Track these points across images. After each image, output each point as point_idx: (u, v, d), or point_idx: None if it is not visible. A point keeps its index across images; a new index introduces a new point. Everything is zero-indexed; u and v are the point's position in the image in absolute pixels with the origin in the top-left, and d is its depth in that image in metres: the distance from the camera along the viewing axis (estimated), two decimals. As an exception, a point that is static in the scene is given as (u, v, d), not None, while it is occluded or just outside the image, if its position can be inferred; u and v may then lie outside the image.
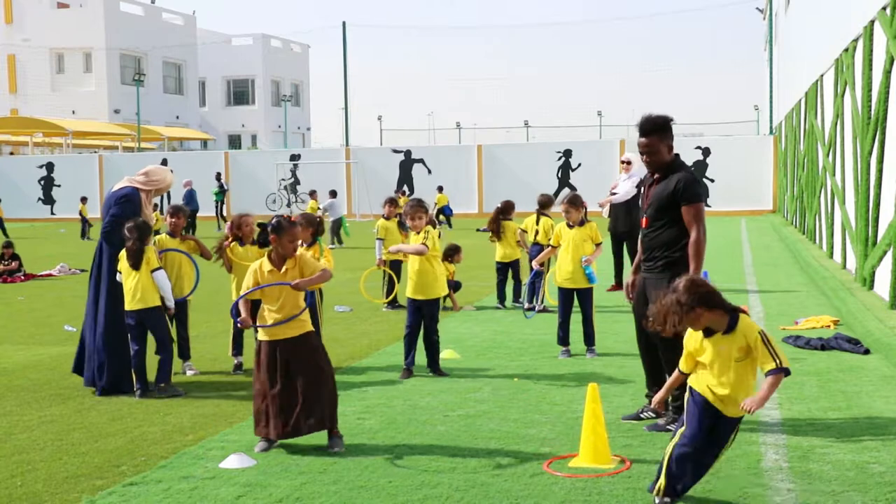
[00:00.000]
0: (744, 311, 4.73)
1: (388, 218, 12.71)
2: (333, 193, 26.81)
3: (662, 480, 4.76)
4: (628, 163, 13.82)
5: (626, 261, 13.79)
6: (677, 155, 6.38)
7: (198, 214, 30.81)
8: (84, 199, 31.78)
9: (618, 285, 13.83)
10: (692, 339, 4.81)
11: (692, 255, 6.15)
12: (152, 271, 7.72)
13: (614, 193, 13.82)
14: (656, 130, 6.23)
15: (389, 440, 6.09)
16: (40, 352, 9.78)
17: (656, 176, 6.36)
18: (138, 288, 7.68)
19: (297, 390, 5.91)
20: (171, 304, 7.89)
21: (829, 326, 10.29)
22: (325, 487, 5.22)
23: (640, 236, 6.53)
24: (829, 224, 17.89)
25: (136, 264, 7.67)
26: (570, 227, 9.07)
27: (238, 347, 8.65)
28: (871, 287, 12.70)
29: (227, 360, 8.80)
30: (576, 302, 8.99)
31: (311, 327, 6.10)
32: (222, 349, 9.24)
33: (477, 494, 5.06)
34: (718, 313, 4.67)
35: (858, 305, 11.63)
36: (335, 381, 6.10)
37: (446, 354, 9.04)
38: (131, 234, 7.68)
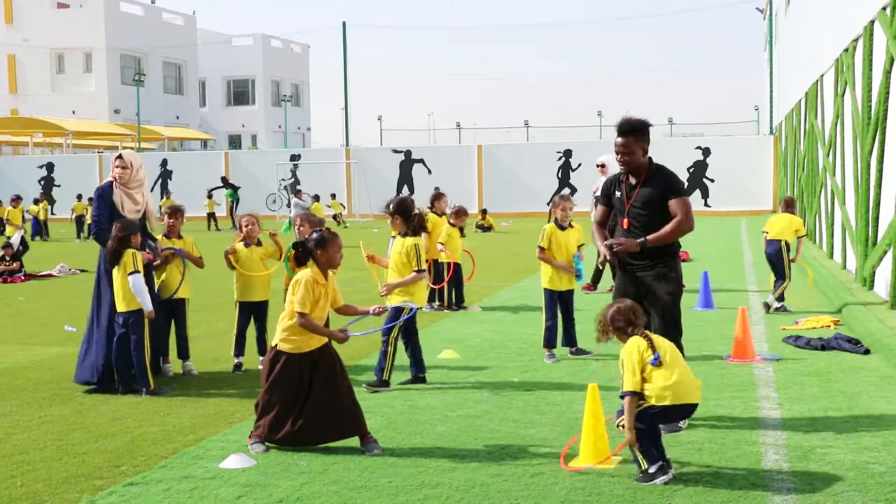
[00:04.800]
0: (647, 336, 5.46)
1: None
2: (298, 192, 26.46)
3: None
4: (603, 165, 13.98)
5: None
6: (651, 158, 6.47)
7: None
8: (80, 197, 31.58)
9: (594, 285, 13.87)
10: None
11: (670, 228, 6.27)
12: (128, 274, 7.65)
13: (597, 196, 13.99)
14: (633, 132, 6.37)
15: (389, 440, 6.09)
16: (41, 352, 9.77)
17: (633, 180, 6.43)
18: (120, 291, 7.69)
19: (320, 403, 5.89)
20: (146, 308, 7.73)
21: (829, 326, 10.29)
22: (326, 487, 5.22)
23: (618, 237, 6.55)
24: (830, 224, 17.89)
25: (113, 263, 7.67)
26: (561, 228, 8.93)
27: (240, 348, 8.63)
28: (872, 287, 12.70)
29: (228, 361, 8.79)
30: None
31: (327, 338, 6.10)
32: (222, 349, 9.23)
33: (477, 494, 5.06)
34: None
35: (858, 305, 11.63)
36: (353, 388, 6.11)
37: (446, 354, 9.05)
38: (113, 233, 7.67)
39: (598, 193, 14.03)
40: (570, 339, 9.00)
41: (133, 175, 8.21)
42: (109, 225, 7.93)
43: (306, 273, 5.97)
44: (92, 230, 8.16)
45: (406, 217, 7.86)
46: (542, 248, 8.91)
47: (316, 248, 5.98)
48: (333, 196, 28.63)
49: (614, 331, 5.54)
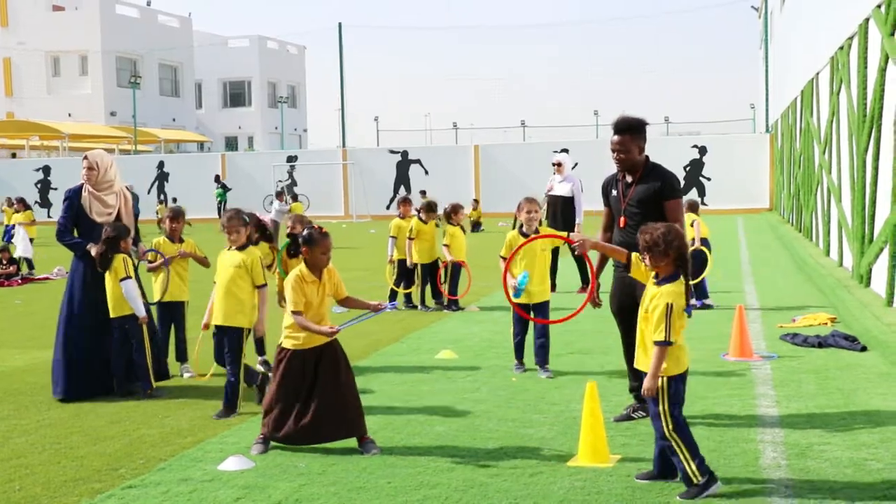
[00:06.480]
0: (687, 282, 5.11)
1: (402, 217, 12.90)
2: (279, 194, 26.22)
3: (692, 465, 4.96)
4: (559, 164, 14.08)
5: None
6: (647, 157, 6.46)
7: (140, 218, 31.12)
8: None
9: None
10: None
11: None
12: (120, 280, 7.61)
13: (550, 195, 14.07)
14: (629, 130, 6.36)
15: (388, 440, 6.09)
16: (38, 355, 9.75)
17: (629, 178, 6.43)
18: (112, 297, 7.68)
19: (322, 399, 5.88)
20: (140, 313, 7.69)
21: (826, 324, 10.30)
22: (324, 489, 5.22)
23: (616, 236, 6.53)
24: (826, 222, 17.90)
25: (103, 268, 7.64)
26: (524, 235, 8.06)
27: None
28: (868, 284, 12.71)
29: (226, 362, 8.78)
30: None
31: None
32: (220, 351, 9.22)
33: (476, 494, 5.06)
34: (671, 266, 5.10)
35: (855, 303, 11.65)
36: (357, 388, 6.09)
37: (444, 354, 9.05)
38: (103, 236, 7.63)
39: (553, 192, 14.15)
40: (536, 356, 8.15)
41: (101, 176, 7.87)
42: (78, 228, 7.85)
43: (293, 273, 5.98)
44: (55, 232, 7.98)
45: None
46: (502, 258, 8.05)
47: (303, 244, 5.97)
48: (296, 197, 28.55)
49: (673, 256, 5.05)
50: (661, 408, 5.01)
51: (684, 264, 5.10)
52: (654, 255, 5.07)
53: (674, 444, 4.97)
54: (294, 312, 5.86)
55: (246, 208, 8.13)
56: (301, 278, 5.91)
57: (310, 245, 5.94)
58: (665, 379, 5.01)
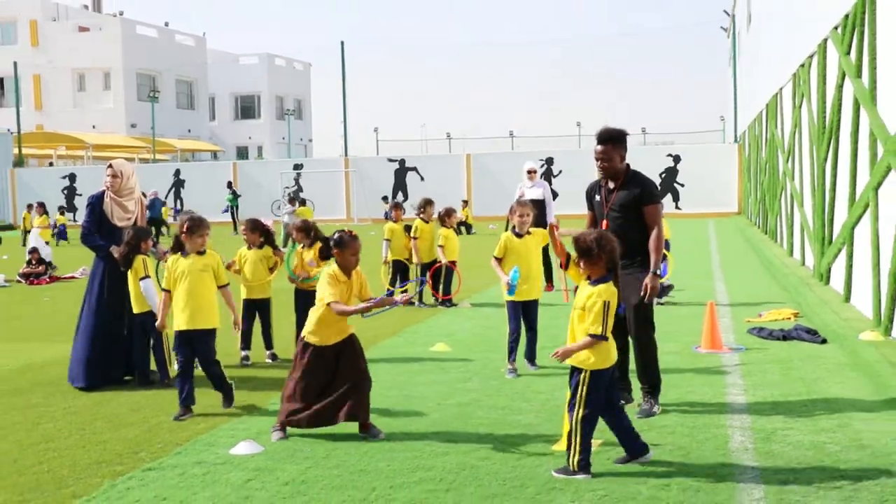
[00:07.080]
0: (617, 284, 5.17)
1: (395, 221, 12.92)
2: (292, 199, 26.18)
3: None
4: (533, 172, 14.13)
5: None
6: (628, 165, 6.47)
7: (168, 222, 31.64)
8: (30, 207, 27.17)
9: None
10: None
11: (654, 248, 6.26)
12: (139, 279, 7.58)
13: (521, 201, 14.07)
14: (611, 140, 6.36)
15: (386, 427, 6.09)
16: (64, 348, 9.72)
17: (611, 184, 6.45)
18: (134, 294, 7.66)
19: (339, 391, 5.85)
20: (156, 310, 7.42)
21: (789, 318, 10.33)
22: (328, 471, 5.22)
23: None
24: (789, 225, 17.95)
25: (125, 267, 7.62)
26: (518, 236, 7.97)
27: (246, 343, 8.65)
28: (828, 282, 12.76)
29: (235, 355, 8.77)
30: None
31: (353, 329, 6.02)
32: (230, 344, 9.21)
33: (468, 476, 5.07)
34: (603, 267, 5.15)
35: (816, 299, 11.69)
36: (370, 379, 6.04)
37: (438, 347, 9.05)
38: (125, 239, 7.62)
39: (525, 198, 14.19)
40: (527, 352, 7.96)
41: (124, 183, 7.89)
42: (100, 232, 7.85)
43: (326, 271, 5.96)
44: (80, 235, 8.02)
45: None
46: (495, 258, 7.96)
47: (334, 247, 5.96)
48: (303, 202, 28.45)
49: (605, 260, 5.11)
50: (578, 396, 5.01)
51: (615, 267, 5.18)
52: (588, 259, 5.15)
53: (574, 431, 4.95)
54: (328, 304, 5.78)
55: (254, 212, 8.16)
56: (335, 276, 5.89)
57: (340, 247, 5.91)
58: (589, 372, 5.02)
